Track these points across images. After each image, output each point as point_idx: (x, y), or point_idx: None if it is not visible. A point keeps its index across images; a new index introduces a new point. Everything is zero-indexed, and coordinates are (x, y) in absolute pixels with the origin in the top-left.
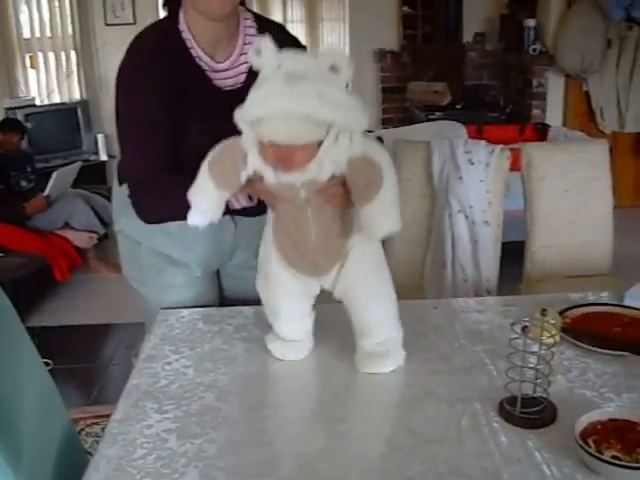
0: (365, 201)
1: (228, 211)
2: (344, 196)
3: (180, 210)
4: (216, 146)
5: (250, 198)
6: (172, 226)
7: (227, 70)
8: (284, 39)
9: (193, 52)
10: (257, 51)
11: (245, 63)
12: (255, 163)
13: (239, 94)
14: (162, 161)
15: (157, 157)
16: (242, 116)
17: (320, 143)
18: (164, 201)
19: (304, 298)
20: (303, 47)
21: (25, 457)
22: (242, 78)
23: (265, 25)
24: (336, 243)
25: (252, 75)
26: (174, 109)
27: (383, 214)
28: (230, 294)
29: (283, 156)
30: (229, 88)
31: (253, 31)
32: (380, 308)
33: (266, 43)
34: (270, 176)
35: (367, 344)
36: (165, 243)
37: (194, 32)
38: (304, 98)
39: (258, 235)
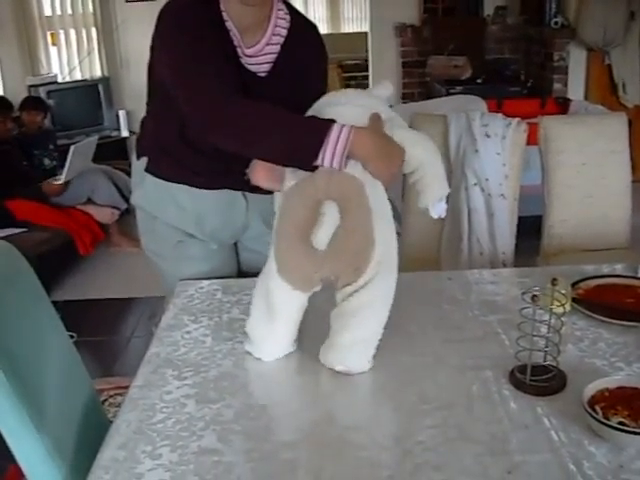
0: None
1: (240, 187)
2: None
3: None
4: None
5: None
6: (186, 201)
7: (252, 57)
8: (314, 44)
9: (228, 25)
10: None
11: (270, 54)
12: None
13: (259, 82)
14: (234, 88)
15: (229, 83)
16: None
17: None
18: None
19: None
20: (326, 57)
21: (49, 420)
22: (265, 67)
23: (298, 23)
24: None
25: (276, 66)
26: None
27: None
28: (247, 267)
29: None
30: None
31: (284, 24)
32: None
33: None
34: None
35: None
36: (179, 217)
37: (229, 13)
38: None
39: (269, 210)
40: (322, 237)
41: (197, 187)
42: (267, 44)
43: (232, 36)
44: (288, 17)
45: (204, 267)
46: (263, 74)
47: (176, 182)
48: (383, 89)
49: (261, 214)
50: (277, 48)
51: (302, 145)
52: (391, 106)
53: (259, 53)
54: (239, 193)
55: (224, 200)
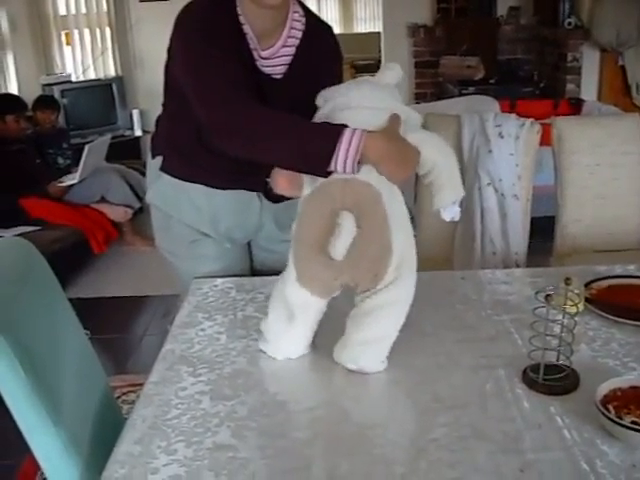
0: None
1: (255, 188)
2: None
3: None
4: None
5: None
6: (201, 200)
7: (267, 59)
8: (328, 45)
9: (245, 28)
10: None
11: (285, 56)
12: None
13: (274, 84)
14: (248, 93)
15: (243, 88)
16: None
17: None
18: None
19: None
20: (341, 58)
21: (65, 415)
22: (280, 69)
23: (313, 25)
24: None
25: (291, 68)
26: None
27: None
28: (260, 265)
29: None
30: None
31: (300, 26)
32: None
33: None
34: None
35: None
36: (194, 217)
37: (246, 17)
38: None
39: (283, 211)
40: (340, 247)
41: (212, 187)
42: (283, 46)
43: (248, 40)
44: (303, 19)
45: (218, 266)
46: (278, 76)
47: (191, 182)
48: (392, 75)
49: (274, 215)
50: (292, 50)
51: (314, 151)
52: None
53: (275, 55)
54: (254, 194)
55: (239, 200)
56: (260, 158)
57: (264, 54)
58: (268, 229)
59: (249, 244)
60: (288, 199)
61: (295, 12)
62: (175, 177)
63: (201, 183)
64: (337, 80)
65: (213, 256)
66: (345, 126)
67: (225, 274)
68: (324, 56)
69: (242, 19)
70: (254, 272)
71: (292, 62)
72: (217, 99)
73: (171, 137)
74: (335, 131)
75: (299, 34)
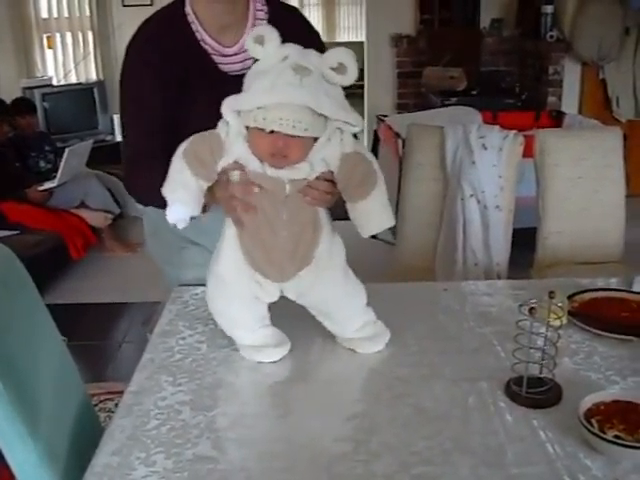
0: (360, 197)
1: None
2: (327, 197)
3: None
4: (189, 138)
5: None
6: None
7: (235, 55)
8: (297, 24)
9: (198, 35)
10: (258, 39)
11: None
12: (240, 151)
13: (238, 81)
14: (158, 142)
15: (153, 137)
16: (239, 104)
17: (314, 141)
18: (156, 184)
19: (259, 304)
20: (316, 33)
21: (43, 427)
22: (249, 63)
23: (277, 10)
24: (305, 248)
25: None
26: (175, 92)
27: (380, 210)
28: None
29: (280, 148)
30: (236, 73)
31: (263, 15)
32: (351, 302)
33: (271, 34)
34: (257, 166)
35: (348, 332)
36: (187, 230)
37: (200, 15)
38: (313, 91)
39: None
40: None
41: None
42: None
43: (203, 45)
44: (266, 8)
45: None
46: (248, 70)
47: None
48: (345, 79)
49: None
50: None
51: None
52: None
53: (241, 50)
54: None
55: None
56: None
57: (229, 51)
58: None
59: None
60: None
61: (256, 1)
62: None
63: None
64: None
65: (202, 263)
66: None
67: None
68: (296, 37)
69: (190, 18)
70: None
71: None
72: (126, 155)
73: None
74: None
75: (264, 24)
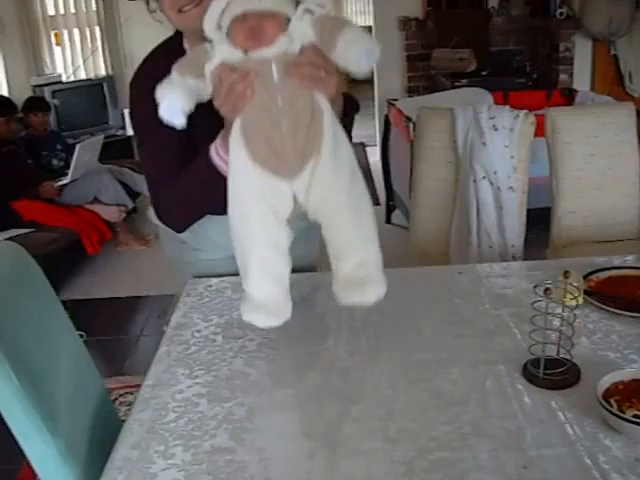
0: (336, 36)
1: None
2: (317, 73)
3: (198, 208)
4: None
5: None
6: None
7: None
8: None
9: None
10: None
11: None
12: (225, 51)
13: None
14: (176, 165)
15: (172, 161)
16: (213, 12)
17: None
18: (181, 200)
19: (275, 223)
20: None
21: (62, 422)
22: None
23: None
24: (306, 136)
25: None
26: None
27: (358, 40)
28: None
29: (254, 28)
30: None
31: None
32: (357, 221)
33: None
34: (242, 57)
35: (344, 267)
36: (190, 238)
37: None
38: None
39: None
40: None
41: None
42: None
43: None
44: None
45: (221, 269)
46: None
47: None
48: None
49: None
50: None
51: (209, 183)
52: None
53: None
54: None
55: None
56: (191, 218)
57: None
58: None
59: None
60: None
61: None
62: None
63: None
64: None
65: (217, 259)
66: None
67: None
68: None
69: (189, 52)
70: None
71: None
72: (149, 182)
73: None
74: (204, 159)
75: None
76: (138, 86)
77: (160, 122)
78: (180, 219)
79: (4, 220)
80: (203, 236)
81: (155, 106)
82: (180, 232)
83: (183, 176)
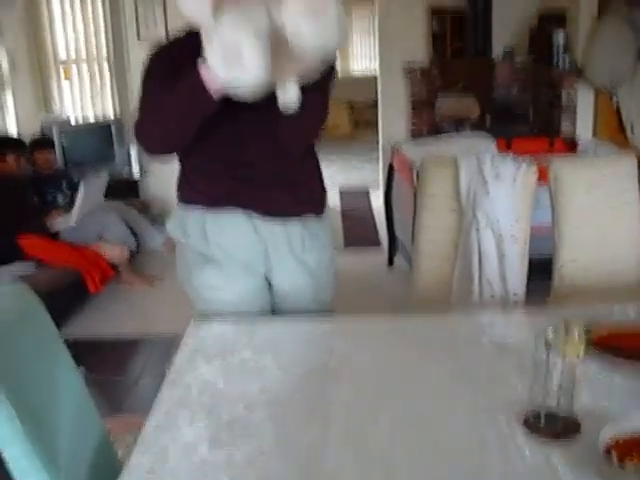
0: None
1: (248, 207)
2: None
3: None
4: None
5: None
6: (202, 218)
7: None
8: None
9: None
10: None
11: None
12: None
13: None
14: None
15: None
16: None
17: None
18: (160, 114)
19: None
20: None
21: (60, 461)
22: None
23: None
24: None
25: None
26: None
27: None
28: (281, 301)
29: None
30: None
31: None
32: None
33: None
34: None
35: None
36: (197, 237)
37: None
38: None
39: (298, 242)
40: None
41: (209, 206)
42: None
43: None
44: None
45: (228, 295)
46: None
47: (193, 204)
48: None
49: (289, 246)
50: None
51: (195, 100)
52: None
53: None
54: (243, 215)
55: (233, 219)
56: (170, 136)
57: None
58: (282, 260)
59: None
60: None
61: None
62: (182, 202)
63: (200, 204)
64: None
65: (222, 285)
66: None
67: (238, 306)
68: None
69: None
70: (275, 308)
71: None
72: (138, 111)
73: (182, 171)
74: (194, 78)
75: None
76: (154, 52)
77: (167, 72)
78: (155, 132)
79: (9, 254)
80: (214, 245)
81: (166, 64)
82: (153, 153)
83: (167, 95)
